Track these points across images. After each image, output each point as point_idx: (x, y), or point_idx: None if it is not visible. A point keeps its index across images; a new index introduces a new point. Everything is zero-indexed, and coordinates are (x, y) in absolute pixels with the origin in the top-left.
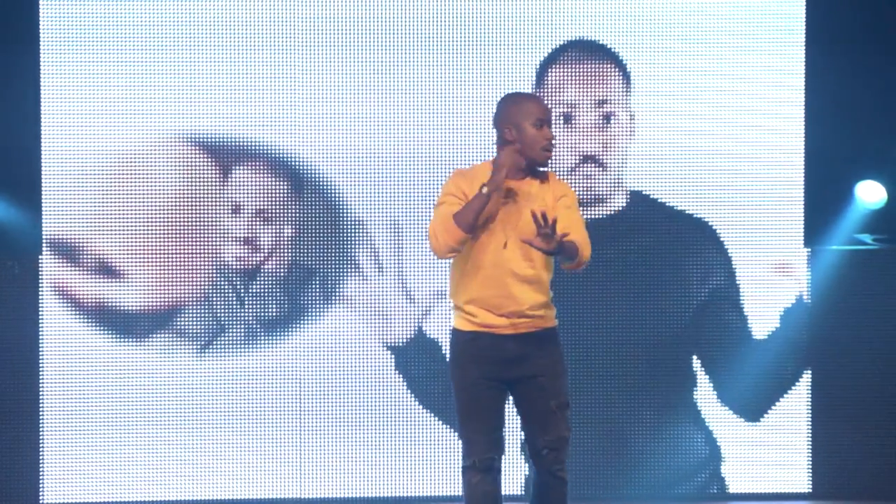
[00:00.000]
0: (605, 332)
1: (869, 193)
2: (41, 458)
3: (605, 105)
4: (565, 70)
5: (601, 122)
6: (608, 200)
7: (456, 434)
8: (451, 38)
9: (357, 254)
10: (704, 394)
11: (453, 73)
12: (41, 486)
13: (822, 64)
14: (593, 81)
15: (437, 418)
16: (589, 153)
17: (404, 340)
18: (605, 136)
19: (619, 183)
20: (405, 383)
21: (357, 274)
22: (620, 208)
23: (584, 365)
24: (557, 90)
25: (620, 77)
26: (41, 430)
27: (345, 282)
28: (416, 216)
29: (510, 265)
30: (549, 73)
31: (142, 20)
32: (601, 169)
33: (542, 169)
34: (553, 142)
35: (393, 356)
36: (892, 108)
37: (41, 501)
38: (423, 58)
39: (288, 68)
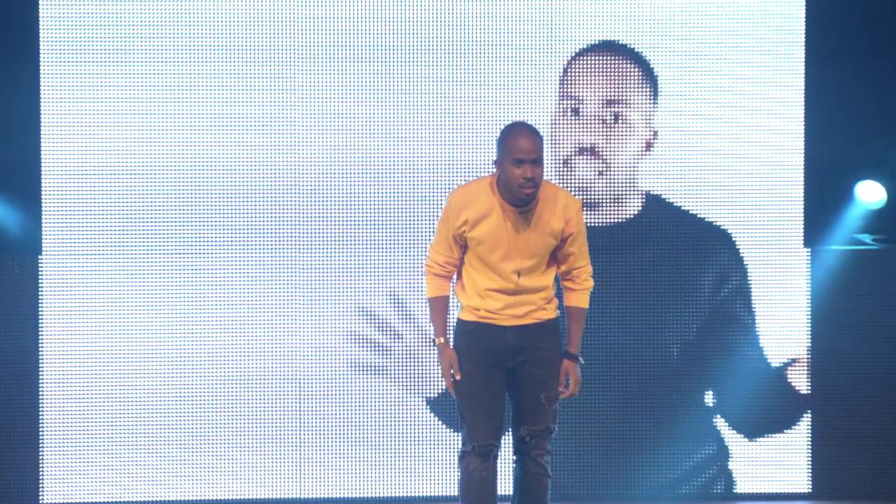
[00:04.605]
0: (609, 333)
1: (869, 193)
2: (41, 458)
3: (614, 104)
4: (583, 65)
5: (609, 119)
6: (622, 203)
7: (457, 433)
8: (453, 40)
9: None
10: (710, 395)
11: (455, 74)
12: (41, 486)
13: (822, 64)
14: (608, 80)
15: (438, 418)
16: (586, 145)
17: (406, 340)
18: (611, 133)
19: (630, 185)
20: (407, 382)
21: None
22: (635, 213)
23: (588, 364)
24: (570, 85)
25: (643, 80)
26: (41, 430)
27: (345, 281)
28: (418, 217)
29: (520, 285)
30: (571, 68)
31: (142, 21)
32: (601, 163)
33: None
34: (532, 179)
35: (395, 356)
36: (892, 108)
37: (41, 501)
38: (425, 59)
39: (288, 68)
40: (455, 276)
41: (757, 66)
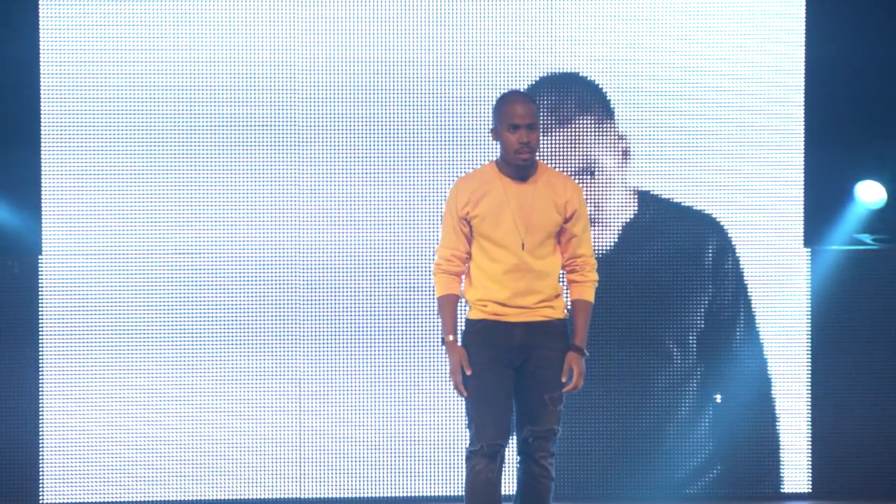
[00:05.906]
0: (610, 333)
1: (869, 193)
2: (41, 458)
3: (589, 167)
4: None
5: (587, 179)
6: (618, 209)
7: (457, 433)
8: (453, 39)
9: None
10: (710, 393)
11: (455, 74)
12: (41, 486)
13: (822, 64)
14: (576, 147)
15: (437, 418)
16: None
17: (406, 340)
18: (594, 187)
19: (625, 188)
20: (406, 382)
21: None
22: (632, 214)
23: (589, 364)
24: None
25: (605, 121)
26: (41, 430)
27: (345, 282)
28: (418, 217)
29: (525, 261)
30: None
31: (142, 19)
32: (597, 221)
33: (547, 169)
34: (528, 143)
35: (394, 355)
36: (892, 108)
37: (41, 501)
38: (425, 59)
39: (288, 68)
40: (463, 278)
41: (757, 66)
